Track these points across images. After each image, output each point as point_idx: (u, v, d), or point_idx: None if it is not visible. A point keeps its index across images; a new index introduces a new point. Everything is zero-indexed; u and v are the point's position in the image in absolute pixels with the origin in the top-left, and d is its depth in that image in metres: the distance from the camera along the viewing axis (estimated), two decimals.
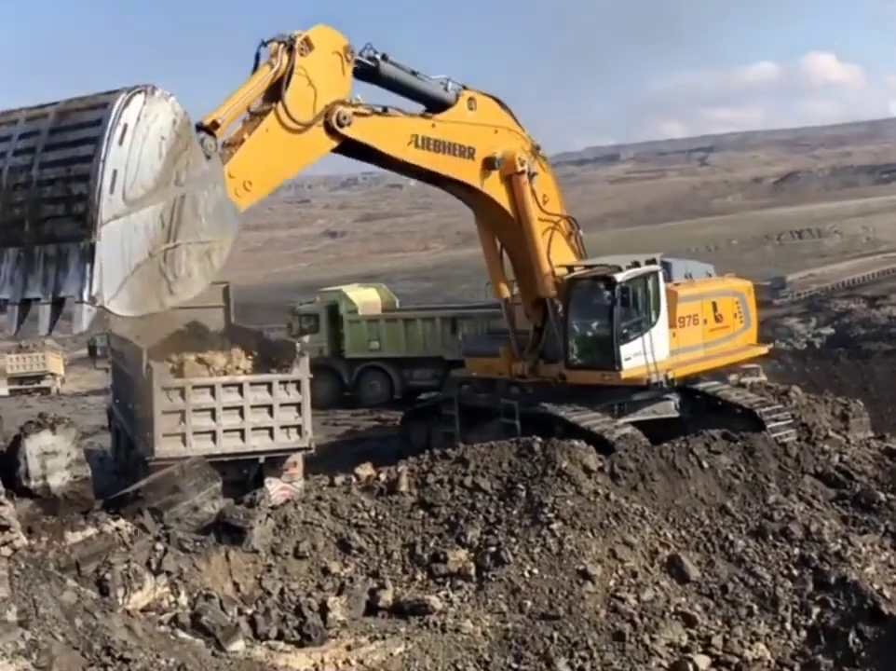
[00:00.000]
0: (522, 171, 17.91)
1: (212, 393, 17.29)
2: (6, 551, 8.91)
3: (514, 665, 12.62)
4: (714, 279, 22.02)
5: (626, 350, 18.61)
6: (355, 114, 14.80)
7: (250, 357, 18.72)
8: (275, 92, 13.79)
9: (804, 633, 13.68)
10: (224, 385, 17.40)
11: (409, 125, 16.03)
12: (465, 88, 16.97)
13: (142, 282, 10.98)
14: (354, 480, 16.59)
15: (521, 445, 16.38)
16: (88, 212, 10.39)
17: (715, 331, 20.31)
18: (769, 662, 13.25)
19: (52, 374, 56.60)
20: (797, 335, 58.16)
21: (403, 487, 15.91)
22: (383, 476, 16.37)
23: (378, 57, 15.31)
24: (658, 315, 19.09)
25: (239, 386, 17.42)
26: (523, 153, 18.02)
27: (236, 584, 14.41)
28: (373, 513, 15.57)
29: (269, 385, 17.49)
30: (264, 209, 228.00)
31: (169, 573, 13.95)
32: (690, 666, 12.90)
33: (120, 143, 10.49)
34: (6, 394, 50.03)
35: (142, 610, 13.12)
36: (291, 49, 13.75)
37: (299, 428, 17.60)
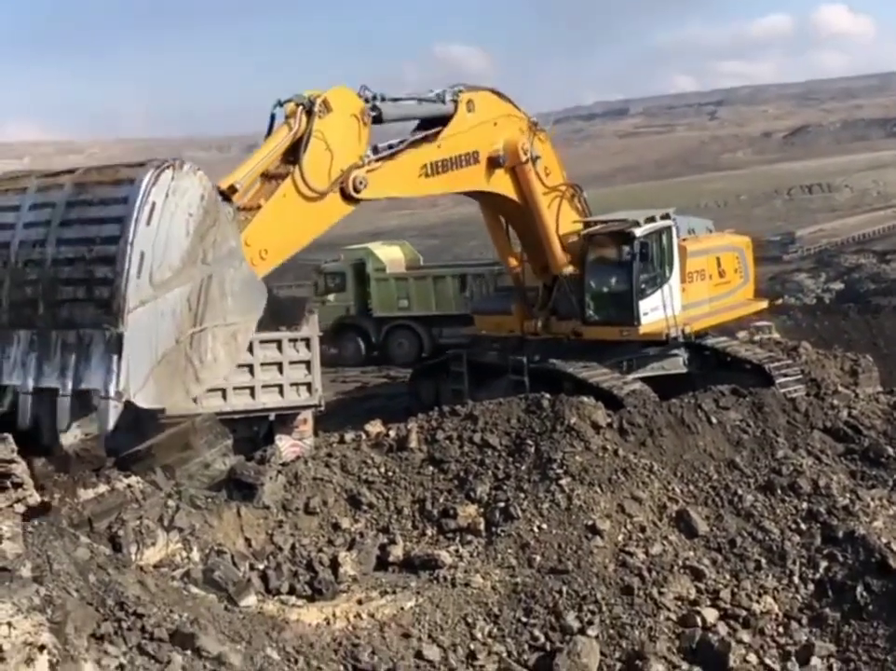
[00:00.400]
0: (527, 160, 17.68)
1: None
2: (20, 508, 8.98)
3: (524, 619, 12.75)
4: (716, 234, 22.02)
5: (644, 305, 18.68)
6: (368, 172, 14.38)
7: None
8: (291, 154, 13.37)
9: (811, 586, 13.80)
10: None
11: (417, 158, 15.61)
12: (461, 91, 16.46)
13: (169, 372, 10.36)
14: (364, 437, 16.69)
15: (529, 402, 16.43)
16: (113, 299, 9.70)
17: (719, 286, 20.37)
18: (777, 615, 13.38)
19: None
20: (807, 290, 57.80)
21: (413, 444, 15.99)
22: (392, 433, 16.45)
23: (379, 104, 14.79)
24: (671, 270, 19.13)
25: (249, 343, 17.44)
26: (523, 136, 17.73)
27: (247, 540, 14.53)
28: (382, 470, 15.66)
29: (279, 342, 17.51)
30: None
31: (181, 529, 14.06)
32: (698, 619, 13.03)
33: (148, 223, 9.86)
34: None
35: (155, 566, 13.23)
36: (309, 112, 13.35)
37: (309, 385, 17.66)
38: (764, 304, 22.67)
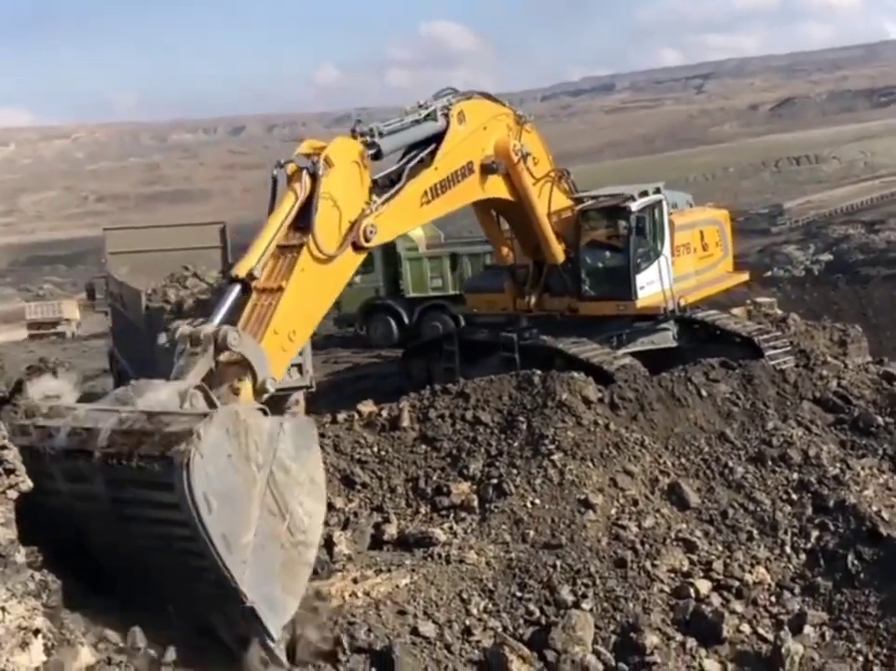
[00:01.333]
0: (519, 159, 17.52)
1: None
2: (13, 494, 8.97)
3: (518, 594, 12.82)
4: (697, 208, 22.02)
5: (640, 280, 18.69)
6: (377, 219, 13.68)
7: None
8: (300, 220, 12.66)
9: (803, 556, 13.89)
10: None
11: (418, 188, 14.96)
12: (451, 104, 15.85)
13: (290, 573, 9.86)
14: (356, 416, 16.70)
15: (520, 379, 16.46)
16: (222, 584, 9.13)
17: (703, 259, 20.40)
18: (769, 585, 13.47)
19: (67, 319, 61.43)
20: (795, 262, 58.12)
21: (405, 423, 16.02)
22: (385, 412, 16.47)
23: (377, 141, 14.08)
24: (663, 244, 19.17)
25: None
26: (512, 136, 17.43)
27: None
28: (375, 449, 15.69)
29: None
30: (260, 147, 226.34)
31: None
32: (692, 591, 13.11)
33: (209, 510, 8.97)
34: (27, 338, 55.71)
35: None
36: (313, 174, 12.66)
37: (300, 366, 17.62)
38: (745, 276, 22.75)
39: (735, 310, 22.76)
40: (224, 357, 11.00)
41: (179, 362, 10.92)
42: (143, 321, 17.52)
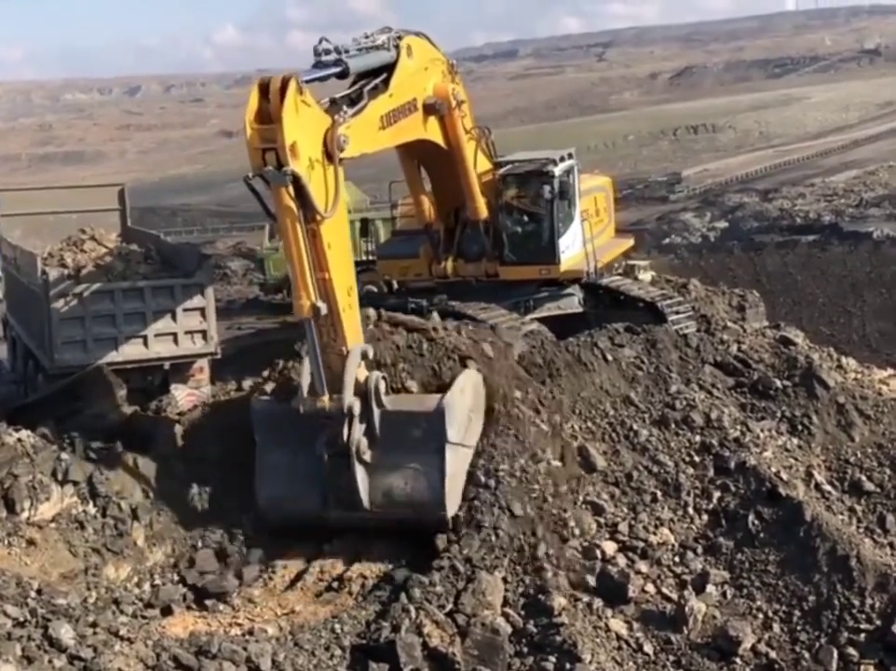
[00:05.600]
0: (456, 104, 17.33)
1: (112, 299, 16.88)
2: None
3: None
4: (586, 175, 22.13)
5: (562, 244, 18.80)
6: (347, 129, 13.26)
7: (149, 261, 18.25)
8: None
9: (705, 516, 14.21)
10: (124, 290, 16.99)
11: (376, 110, 14.73)
12: (399, 37, 15.63)
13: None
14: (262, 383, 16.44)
15: None
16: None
17: (596, 225, 20.62)
18: (673, 545, 13.75)
19: None
20: (693, 229, 58.98)
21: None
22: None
23: (343, 57, 13.71)
24: (576, 209, 19.34)
25: (140, 291, 17.03)
26: (448, 80, 17.34)
27: (144, 491, 14.30)
28: None
29: (171, 289, 17.12)
30: (156, 108, 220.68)
31: (75, 483, 13.78)
32: (598, 552, 13.32)
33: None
34: None
35: (51, 521, 12.97)
36: (297, 183, 12.21)
37: (204, 333, 17.34)
38: (632, 242, 23.27)
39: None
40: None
41: None
42: (40, 286, 16.97)
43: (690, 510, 14.30)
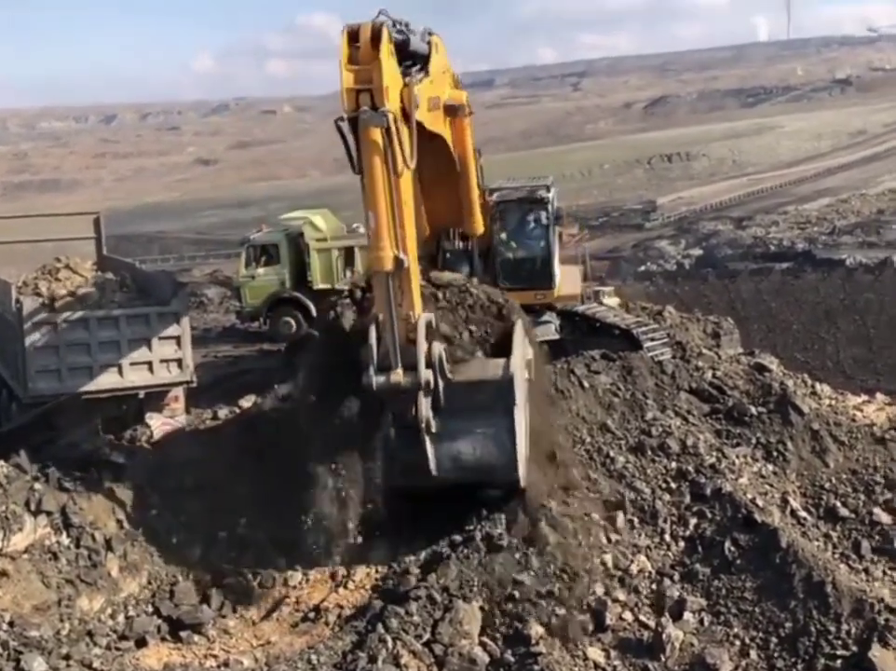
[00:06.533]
0: (469, 113, 17.29)
1: (87, 328, 16.78)
2: None
3: None
4: None
5: (556, 269, 18.92)
6: (418, 91, 13.14)
7: (124, 289, 18.17)
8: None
9: (682, 543, 14.23)
10: (99, 319, 16.90)
11: (426, 90, 14.34)
12: (430, 32, 15.21)
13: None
14: (238, 412, 16.42)
15: None
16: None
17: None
18: (650, 573, 13.74)
19: None
20: (668, 256, 59.39)
21: None
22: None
23: (404, 29, 13.46)
24: (556, 234, 19.55)
25: (115, 319, 16.94)
26: (459, 90, 17.31)
27: (119, 522, 14.19)
28: None
29: (146, 318, 17.04)
30: (133, 136, 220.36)
31: (49, 513, 13.65)
32: None
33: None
34: None
35: (24, 552, 12.83)
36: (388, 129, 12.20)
37: (179, 361, 17.23)
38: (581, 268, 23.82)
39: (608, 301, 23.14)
40: None
41: None
42: (14, 315, 16.85)
43: (667, 537, 14.32)
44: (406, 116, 12.76)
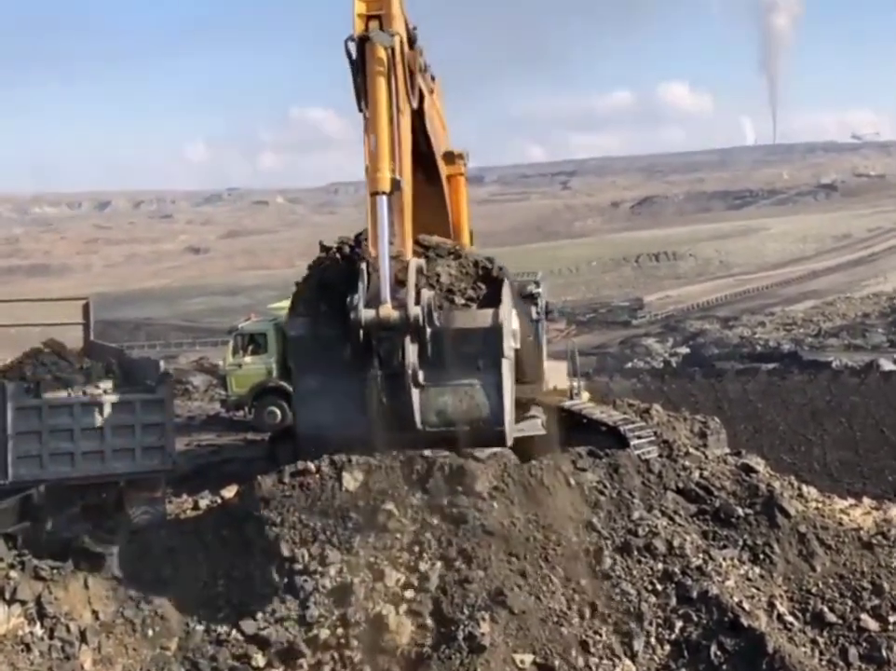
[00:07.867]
0: (465, 165, 17.75)
1: (70, 413, 16.65)
2: None
3: None
4: None
5: (545, 364, 18.92)
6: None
7: (110, 375, 18.11)
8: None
9: (668, 647, 13.98)
10: (84, 405, 16.78)
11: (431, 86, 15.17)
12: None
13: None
14: (219, 502, 16.23)
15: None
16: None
17: None
18: None
19: None
20: (655, 354, 59.71)
21: None
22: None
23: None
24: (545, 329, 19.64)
25: (99, 406, 16.82)
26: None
27: (95, 612, 13.89)
28: None
29: (131, 404, 16.93)
30: (125, 223, 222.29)
31: (23, 602, 13.38)
32: None
33: None
34: None
35: None
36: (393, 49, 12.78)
37: (162, 449, 17.08)
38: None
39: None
40: None
41: None
42: None
43: (653, 640, 14.07)
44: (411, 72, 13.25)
